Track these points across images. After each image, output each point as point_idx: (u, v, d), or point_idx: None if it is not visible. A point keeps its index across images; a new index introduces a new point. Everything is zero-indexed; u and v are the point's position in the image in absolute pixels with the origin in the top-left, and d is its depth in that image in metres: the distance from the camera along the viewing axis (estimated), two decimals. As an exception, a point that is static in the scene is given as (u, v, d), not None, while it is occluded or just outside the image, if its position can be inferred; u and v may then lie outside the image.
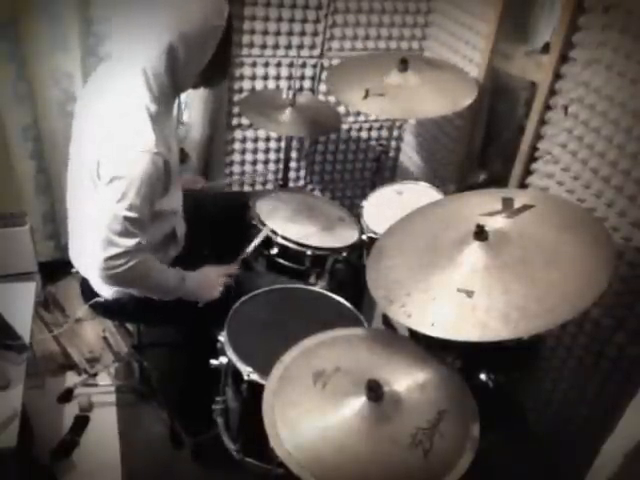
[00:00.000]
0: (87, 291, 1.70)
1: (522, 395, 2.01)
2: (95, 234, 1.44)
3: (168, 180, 1.50)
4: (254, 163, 2.60)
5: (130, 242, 1.45)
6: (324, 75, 2.45)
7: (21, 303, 1.76)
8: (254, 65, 2.34)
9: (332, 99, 2.51)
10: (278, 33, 2.30)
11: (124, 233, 1.43)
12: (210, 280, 1.68)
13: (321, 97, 2.50)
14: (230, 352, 1.50)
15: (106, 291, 1.65)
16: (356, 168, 2.82)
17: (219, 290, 1.67)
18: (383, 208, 2.03)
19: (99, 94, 1.49)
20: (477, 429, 1.21)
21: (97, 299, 1.67)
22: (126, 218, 1.42)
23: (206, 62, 1.46)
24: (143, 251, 1.49)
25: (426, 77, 2.01)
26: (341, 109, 2.52)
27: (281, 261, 1.89)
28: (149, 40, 1.39)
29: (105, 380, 2.12)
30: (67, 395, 2.05)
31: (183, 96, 2.21)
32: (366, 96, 1.94)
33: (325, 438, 1.18)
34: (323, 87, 2.49)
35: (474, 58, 2.20)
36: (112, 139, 1.41)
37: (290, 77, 2.38)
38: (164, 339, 2.19)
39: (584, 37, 1.69)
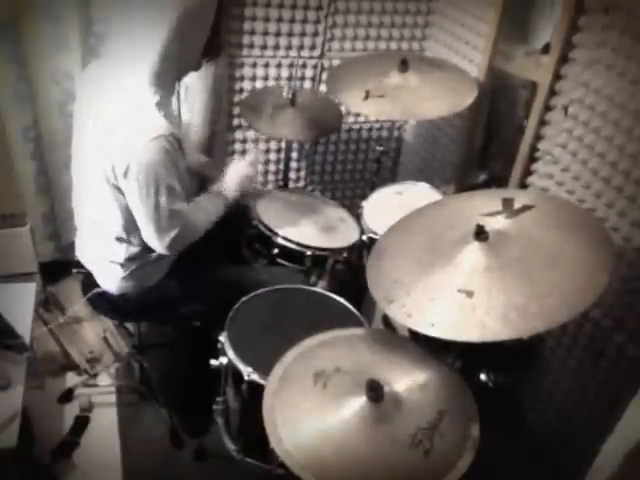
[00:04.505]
0: (90, 288, 1.70)
1: (522, 395, 2.01)
2: (144, 228, 1.52)
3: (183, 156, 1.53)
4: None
5: (179, 220, 1.52)
6: (324, 76, 2.45)
7: (21, 303, 1.76)
8: (254, 66, 2.34)
9: (332, 99, 2.52)
10: (278, 34, 2.30)
11: (170, 215, 1.50)
12: (242, 175, 1.80)
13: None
14: (230, 352, 1.50)
15: (111, 286, 1.66)
16: (356, 169, 2.82)
17: (255, 177, 1.90)
18: (383, 208, 2.04)
19: (100, 93, 1.49)
20: (477, 429, 1.21)
21: (97, 290, 1.68)
22: (165, 204, 1.47)
23: (209, 31, 1.47)
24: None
25: (426, 77, 2.01)
26: (341, 109, 2.52)
27: (281, 261, 1.89)
28: (155, 24, 1.38)
29: (105, 380, 2.12)
30: (67, 395, 2.05)
31: (182, 95, 2.23)
32: (366, 97, 1.94)
33: (325, 438, 1.18)
34: (323, 88, 2.49)
35: (474, 58, 2.20)
36: (124, 138, 1.41)
37: (290, 78, 2.38)
38: (164, 339, 2.19)
39: (584, 38, 1.69)
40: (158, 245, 1.55)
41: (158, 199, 1.46)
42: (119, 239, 1.58)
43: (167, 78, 1.48)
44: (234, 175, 1.79)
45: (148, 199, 1.45)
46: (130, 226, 1.56)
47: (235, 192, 1.76)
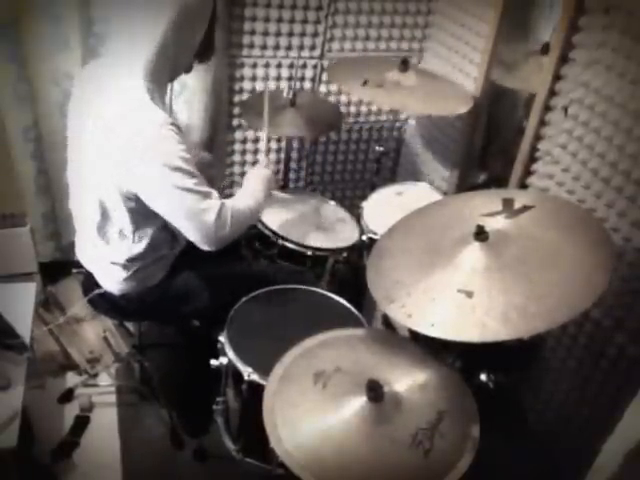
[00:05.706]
0: (90, 289, 1.70)
1: (522, 395, 2.01)
2: (185, 225, 1.47)
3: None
4: (255, 164, 2.59)
5: (213, 200, 1.48)
6: (324, 76, 2.45)
7: (21, 303, 1.76)
8: (254, 66, 2.34)
9: (332, 99, 2.52)
10: (278, 34, 2.30)
11: (202, 195, 1.45)
12: (268, 176, 1.74)
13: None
14: (230, 352, 1.50)
15: (113, 287, 1.66)
16: (356, 169, 2.82)
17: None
18: (383, 209, 2.04)
19: (100, 93, 1.49)
20: (477, 429, 1.22)
21: (99, 290, 1.68)
22: (190, 188, 1.43)
23: (204, 32, 1.48)
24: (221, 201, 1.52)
25: (425, 80, 2.02)
26: (341, 109, 2.52)
27: (281, 262, 1.89)
28: (151, 22, 1.39)
29: (105, 380, 2.12)
30: (67, 395, 2.05)
31: (180, 96, 2.23)
32: (365, 84, 1.94)
33: (325, 438, 1.18)
34: (323, 88, 2.49)
35: (474, 59, 2.20)
36: (124, 138, 1.41)
37: (290, 78, 2.39)
38: (164, 339, 2.19)
39: (584, 38, 1.69)
40: (209, 232, 1.48)
41: (183, 185, 1.42)
42: (122, 239, 1.58)
43: (161, 77, 1.48)
44: (257, 177, 1.74)
45: (174, 190, 1.42)
46: (133, 226, 1.55)
47: (263, 192, 1.69)
